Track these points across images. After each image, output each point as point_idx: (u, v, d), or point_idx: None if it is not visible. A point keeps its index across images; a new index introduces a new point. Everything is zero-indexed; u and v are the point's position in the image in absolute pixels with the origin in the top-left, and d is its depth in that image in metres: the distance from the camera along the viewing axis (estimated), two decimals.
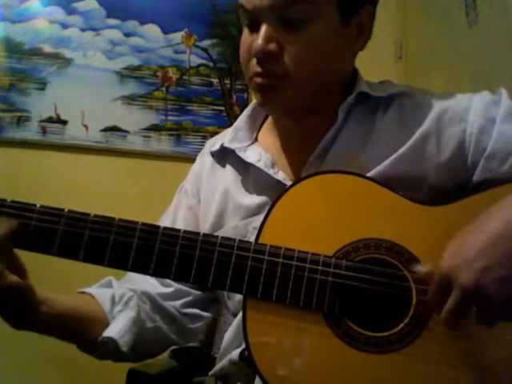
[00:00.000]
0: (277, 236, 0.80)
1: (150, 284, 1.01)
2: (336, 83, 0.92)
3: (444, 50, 1.88)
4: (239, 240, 0.80)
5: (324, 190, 0.83)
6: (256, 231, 0.82)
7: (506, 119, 0.85)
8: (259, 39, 0.84)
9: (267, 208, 0.83)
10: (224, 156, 1.02)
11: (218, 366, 0.95)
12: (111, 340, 0.91)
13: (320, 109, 0.92)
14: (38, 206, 0.80)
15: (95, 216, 0.80)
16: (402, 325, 0.77)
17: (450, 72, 1.81)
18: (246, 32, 0.90)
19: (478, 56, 1.64)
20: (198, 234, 0.80)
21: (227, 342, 0.94)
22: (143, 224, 0.80)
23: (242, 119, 1.02)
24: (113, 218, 0.80)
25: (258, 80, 0.87)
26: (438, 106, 0.89)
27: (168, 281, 1.01)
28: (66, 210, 0.81)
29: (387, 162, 0.87)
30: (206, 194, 1.03)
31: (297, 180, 0.85)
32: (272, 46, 0.84)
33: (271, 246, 0.79)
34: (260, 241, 0.80)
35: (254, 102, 1.02)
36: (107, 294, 0.96)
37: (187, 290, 1.01)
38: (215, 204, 1.00)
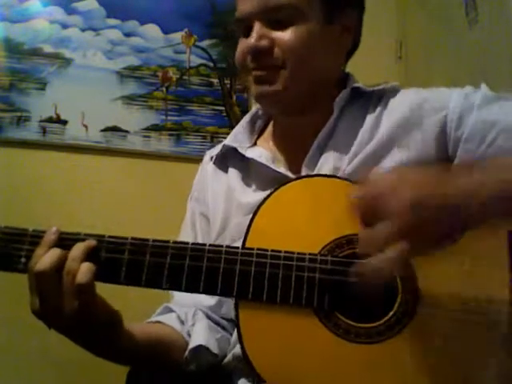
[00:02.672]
0: (263, 238, 0.83)
1: (198, 299, 1.01)
2: (327, 81, 0.97)
3: (444, 50, 1.88)
4: (227, 246, 0.82)
5: (307, 192, 0.86)
6: None
7: (484, 104, 0.88)
8: (252, 37, 0.91)
9: None
10: (225, 159, 1.04)
11: (223, 361, 0.96)
12: (202, 347, 0.92)
13: (315, 106, 0.96)
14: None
15: (85, 235, 0.81)
16: (390, 314, 0.79)
17: (449, 72, 1.81)
18: (241, 41, 0.96)
19: (478, 56, 1.64)
20: (187, 243, 0.82)
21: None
22: (133, 238, 0.82)
23: (241, 125, 1.06)
24: (103, 236, 0.82)
25: (257, 73, 0.93)
26: (419, 96, 0.94)
27: None
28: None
29: (368, 148, 0.91)
30: (212, 199, 1.05)
31: (279, 185, 0.87)
32: (264, 42, 0.91)
33: (258, 249, 0.81)
34: (247, 243, 0.83)
35: (252, 109, 1.08)
36: (172, 316, 1.00)
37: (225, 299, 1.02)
38: (221, 206, 1.01)
